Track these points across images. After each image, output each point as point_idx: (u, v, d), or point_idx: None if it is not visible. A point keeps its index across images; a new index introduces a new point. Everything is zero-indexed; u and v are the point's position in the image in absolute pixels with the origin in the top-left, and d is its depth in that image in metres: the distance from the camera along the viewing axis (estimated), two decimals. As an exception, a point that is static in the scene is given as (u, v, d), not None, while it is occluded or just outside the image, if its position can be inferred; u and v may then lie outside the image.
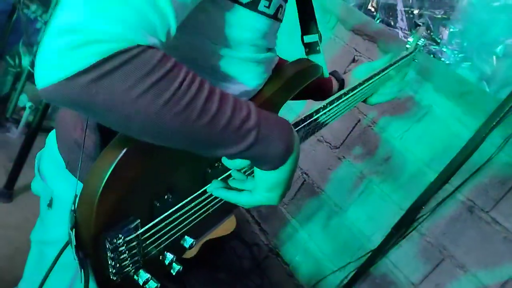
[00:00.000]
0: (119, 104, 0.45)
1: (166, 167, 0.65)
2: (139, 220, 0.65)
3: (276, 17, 0.68)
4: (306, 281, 2.04)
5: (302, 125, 0.79)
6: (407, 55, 1.20)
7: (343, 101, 0.93)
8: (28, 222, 1.91)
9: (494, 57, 1.60)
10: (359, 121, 1.87)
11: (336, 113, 0.93)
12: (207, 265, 2.08)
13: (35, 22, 2.34)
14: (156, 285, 0.70)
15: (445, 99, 1.59)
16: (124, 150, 0.56)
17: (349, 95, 0.95)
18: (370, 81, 1.03)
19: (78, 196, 0.60)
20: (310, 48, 0.95)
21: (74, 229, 0.60)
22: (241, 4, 0.61)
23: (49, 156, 0.78)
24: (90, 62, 0.42)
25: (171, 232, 0.74)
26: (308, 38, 0.94)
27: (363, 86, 1.00)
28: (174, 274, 0.76)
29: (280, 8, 0.68)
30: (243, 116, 0.54)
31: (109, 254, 0.63)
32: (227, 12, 0.62)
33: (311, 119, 0.81)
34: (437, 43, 1.75)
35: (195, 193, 0.73)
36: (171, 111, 0.47)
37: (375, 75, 1.05)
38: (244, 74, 0.71)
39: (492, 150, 1.42)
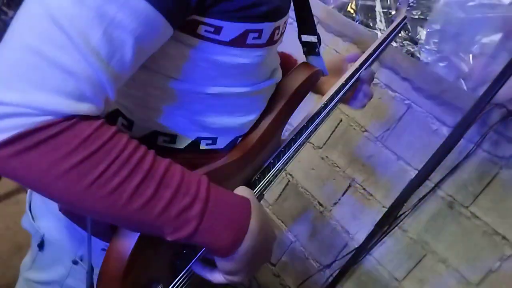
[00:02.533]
0: (39, 182, 0.42)
1: None
2: (161, 286, 0.62)
3: (272, 41, 0.61)
4: (292, 281, 2.05)
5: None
6: (398, 24, 1.14)
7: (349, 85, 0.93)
8: (8, 230, 1.89)
9: (471, 56, 1.64)
10: (341, 121, 1.89)
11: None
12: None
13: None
14: None
15: (424, 98, 1.62)
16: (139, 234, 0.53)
17: (355, 77, 0.95)
18: (368, 62, 1.03)
19: (96, 276, 0.56)
20: (308, 48, 0.88)
21: None
22: (224, 43, 0.55)
23: (40, 196, 0.75)
24: (7, 136, 0.39)
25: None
26: (306, 38, 0.87)
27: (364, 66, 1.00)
28: None
29: (277, 30, 0.61)
30: (185, 203, 0.49)
31: None
32: (209, 54, 0.55)
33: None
34: (415, 43, 1.78)
35: None
36: (95, 194, 0.43)
37: (370, 55, 1.05)
38: (246, 106, 0.67)
39: (470, 146, 1.45)
